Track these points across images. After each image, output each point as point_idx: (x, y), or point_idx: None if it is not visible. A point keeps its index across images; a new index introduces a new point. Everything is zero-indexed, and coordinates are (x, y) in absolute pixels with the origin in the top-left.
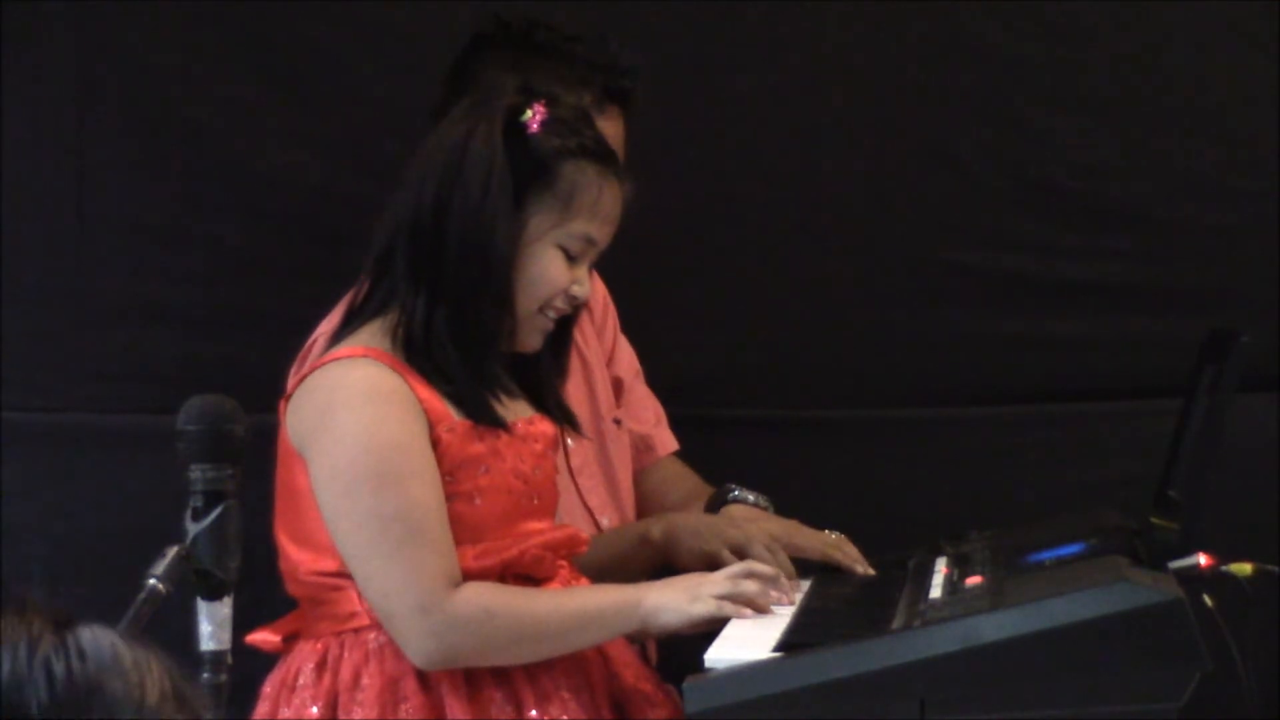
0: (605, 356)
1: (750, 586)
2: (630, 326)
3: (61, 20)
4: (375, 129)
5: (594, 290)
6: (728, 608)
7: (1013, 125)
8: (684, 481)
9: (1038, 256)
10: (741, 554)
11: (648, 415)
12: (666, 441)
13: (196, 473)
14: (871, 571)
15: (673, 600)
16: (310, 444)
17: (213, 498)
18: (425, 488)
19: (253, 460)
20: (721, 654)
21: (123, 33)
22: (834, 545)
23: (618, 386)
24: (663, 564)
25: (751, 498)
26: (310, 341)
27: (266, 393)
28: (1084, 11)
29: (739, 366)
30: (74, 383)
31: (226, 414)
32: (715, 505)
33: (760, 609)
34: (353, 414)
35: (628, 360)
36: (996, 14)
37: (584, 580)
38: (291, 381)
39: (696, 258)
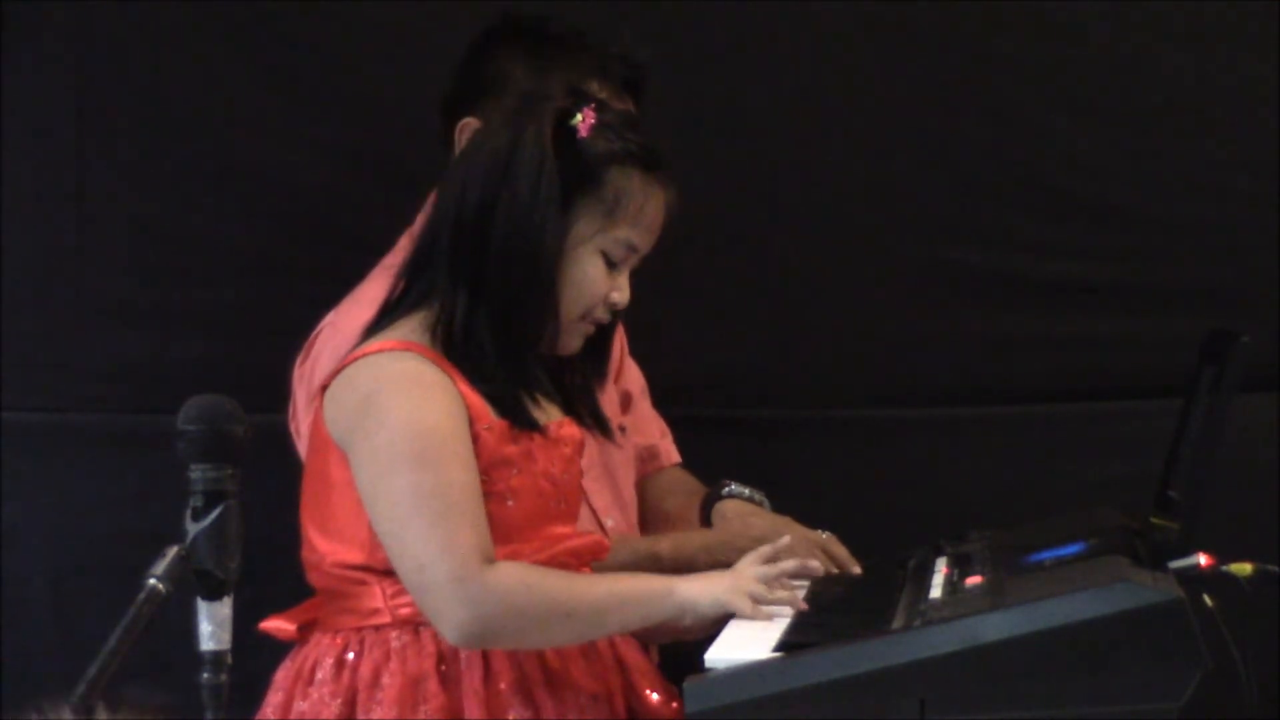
0: (614, 371)
1: (784, 594)
2: (631, 327)
3: (61, 20)
4: (377, 129)
5: None
6: (761, 613)
7: (1013, 125)
8: (685, 485)
9: (1038, 256)
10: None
11: (653, 430)
12: (670, 453)
13: (196, 473)
14: (858, 570)
15: (709, 591)
16: (352, 431)
17: (213, 498)
18: (463, 471)
19: (253, 460)
20: (721, 654)
21: (123, 33)
22: (823, 545)
23: (626, 400)
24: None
25: (747, 492)
26: (317, 331)
27: (266, 393)
28: (1084, 12)
29: (739, 366)
30: (74, 383)
31: (226, 414)
32: (710, 501)
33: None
34: (396, 399)
35: (636, 377)
36: (996, 14)
37: None
38: (297, 374)
39: (696, 258)
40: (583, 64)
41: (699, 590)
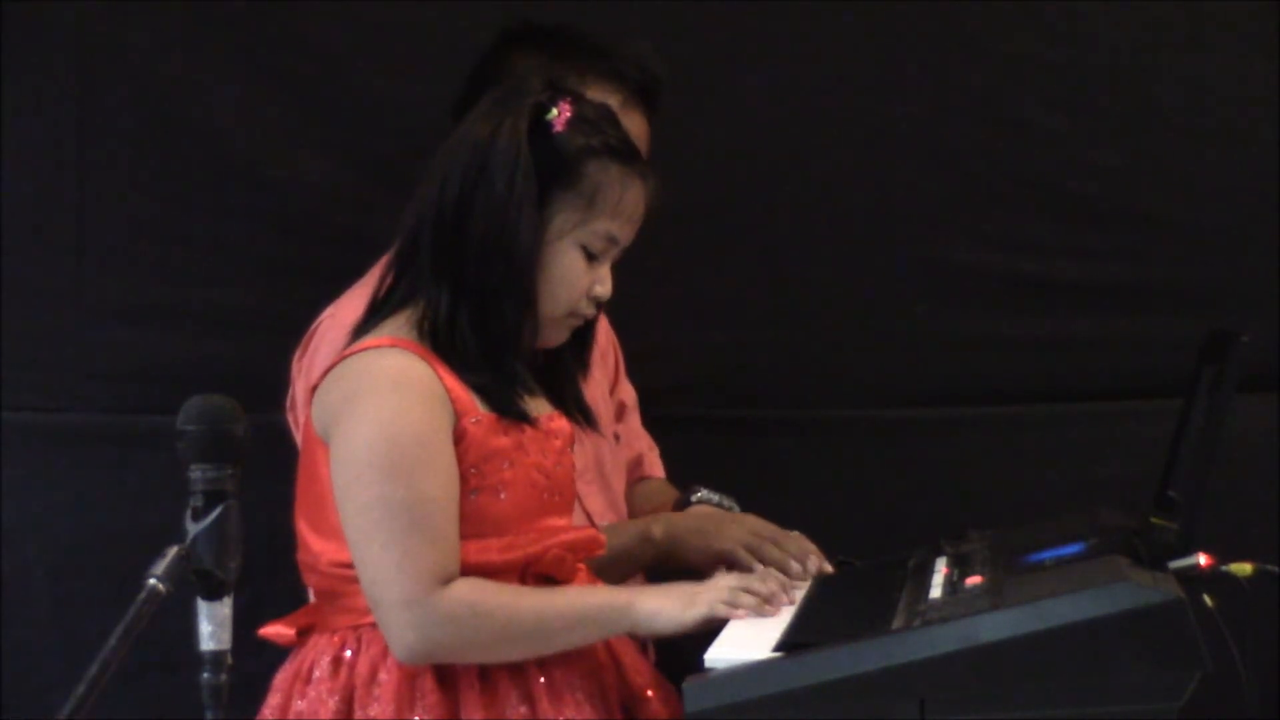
0: (609, 383)
1: (748, 600)
2: (631, 327)
3: (61, 20)
4: (377, 130)
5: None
6: (720, 609)
7: (1013, 125)
8: (663, 495)
9: (1038, 256)
10: (757, 552)
11: (640, 444)
12: (654, 466)
13: (196, 473)
14: (829, 568)
15: (668, 607)
16: (333, 428)
17: (213, 498)
18: (437, 482)
19: (253, 460)
20: (721, 654)
21: (123, 33)
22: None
23: (620, 410)
24: (665, 562)
25: (715, 498)
26: (316, 323)
27: (266, 393)
28: (1084, 12)
29: (739, 366)
30: (74, 383)
31: (226, 414)
32: (680, 506)
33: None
34: (377, 400)
35: (630, 391)
36: (996, 14)
37: (599, 584)
38: (296, 367)
39: (697, 258)
40: (597, 70)
41: (658, 607)
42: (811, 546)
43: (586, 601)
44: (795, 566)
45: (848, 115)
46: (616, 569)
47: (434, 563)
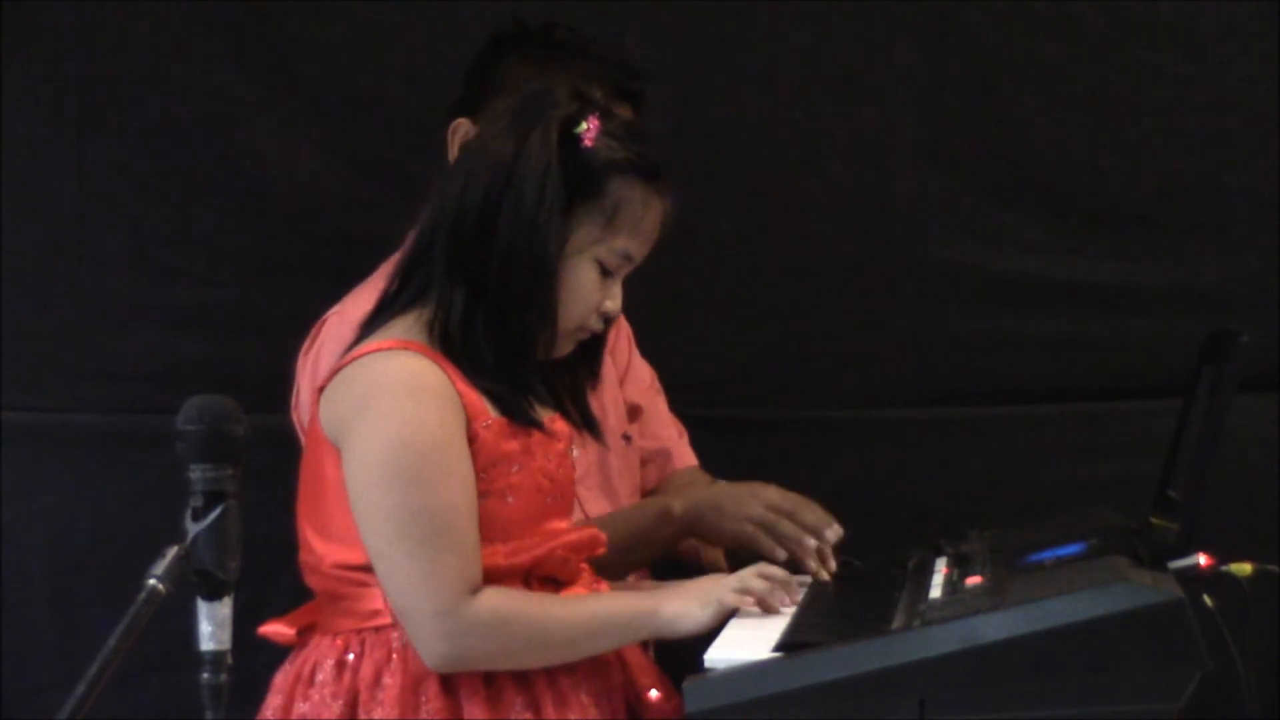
0: (619, 376)
1: (758, 584)
2: (632, 328)
3: (61, 20)
4: (375, 129)
5: None
6: (730, 598)
7: (1012, 125)
8: (698, 487)
9: (1036, 256)
10: (772, 530)
11: (669, 432)
12: (685, 455)
13: (196, 473)
14: (835, 530)
15: (687, 608)
16: (346, 432)
17: (213, 498)
18: (457, 489)
19: (253, 460)
20: (721, 654)
21: (123, 33)
22: (798, 505)
23: (635, 411)
24: (685, 539)
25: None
26: (322, 320)
27: (266, 393)
28: (1083, 11)
29: (739, 366)
30: (74, 383)
31: (226, 414)
32: None
33: (768, 607)
34: (393, 406)
35: (647, 381)
36: (996, 14)
37: (603, 583)
38: (301, 363)
39: (696, 259)
40: (585, 72)
41: (681, 609)
42: (828, 515)
43: (613, 608)
44: (810, 542)
45: (848, 115)
46: (637, 550)
47: (461, 571)
